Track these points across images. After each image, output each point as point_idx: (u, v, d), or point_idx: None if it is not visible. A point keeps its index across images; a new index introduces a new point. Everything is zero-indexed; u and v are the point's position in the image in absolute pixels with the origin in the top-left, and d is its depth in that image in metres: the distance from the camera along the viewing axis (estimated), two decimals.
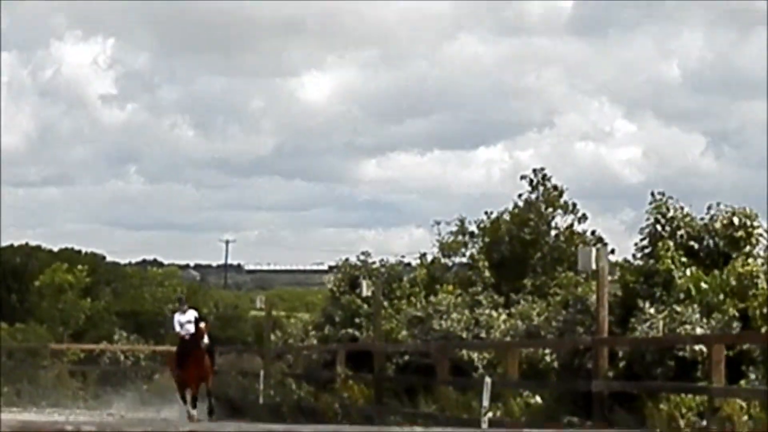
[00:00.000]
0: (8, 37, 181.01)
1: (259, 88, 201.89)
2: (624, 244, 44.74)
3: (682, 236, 29.89)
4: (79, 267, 59.65)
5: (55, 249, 63.23)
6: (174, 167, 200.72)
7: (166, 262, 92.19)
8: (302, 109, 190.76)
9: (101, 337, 52.74)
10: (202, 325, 35.21)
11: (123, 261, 71.96)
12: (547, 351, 27.75)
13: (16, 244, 68.38)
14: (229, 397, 40.73)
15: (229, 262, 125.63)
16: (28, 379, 45.97)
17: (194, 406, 35.95)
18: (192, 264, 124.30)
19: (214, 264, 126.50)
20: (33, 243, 69.06)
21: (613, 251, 31.13)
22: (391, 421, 29.93)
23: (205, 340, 34.85)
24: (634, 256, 30.28)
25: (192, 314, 35.75)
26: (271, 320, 45.57)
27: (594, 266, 25.44)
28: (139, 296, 59.51)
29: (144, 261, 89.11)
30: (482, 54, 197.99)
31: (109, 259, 66.97)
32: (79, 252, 64.16)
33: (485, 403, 25.93)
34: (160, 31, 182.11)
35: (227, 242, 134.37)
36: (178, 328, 35.70)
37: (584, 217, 38.73)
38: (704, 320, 24.82)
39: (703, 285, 26.24)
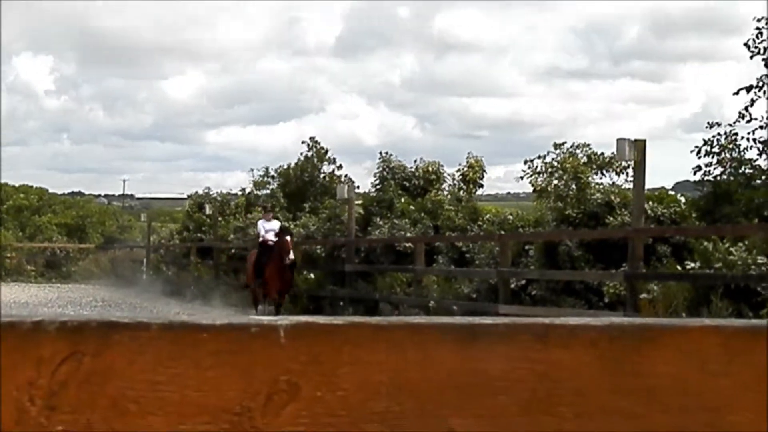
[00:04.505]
0: None
1: (145, 87, 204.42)
2: (365, 182, 45.07)
3: (399, 177, 30.04)
4: (32, 196, 58.53)
5: (17, 185, 61.70)
6: (92, 135, 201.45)
7: (86, 192, 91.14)
8: (172, 100, 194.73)
9: (45, 238, 51.58)
10: (288, 238, 22.22)
11: (60, 191, 70.29)
12: (318, 247, 27.70)
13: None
14: (124, 275, 40.22)
15: (126, 192, 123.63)
16: None
17: (278, 312, 22.39)
18: (103, 194, 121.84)
19: (117, 194, 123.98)
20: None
21: (358, 187, 31.22)
22: (223, 289, 29.84)
23: (291, 256, 21.83)
24: (370, 189, 30.46)
25: (276, 224, 23.74)
26: (150, 228, 44.98)
27: (346, 196, 25.45)
28: (70, 214, 57.99)
29: (72, 192, 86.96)
30: (282, 66, 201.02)
31: (51, 190, 65.21)
32: (32, 186, 62.67)
33: None
34: (84, 52, 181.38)
35: (124, 180, 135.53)
36: (262, 232, 23.48)
37: (341, 166, 38.84)
38: (412, 228, 24.95)
39: (412, 207, 26.39)
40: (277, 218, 25.33)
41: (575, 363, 1.42)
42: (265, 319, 1.35)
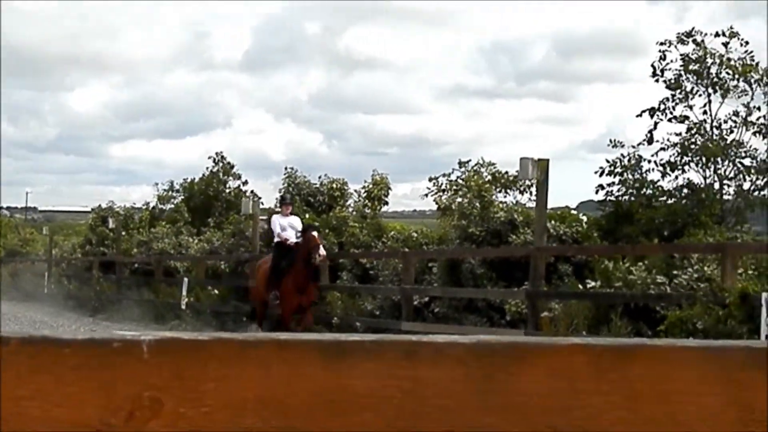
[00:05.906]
0: None
1: (49, 99, 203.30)
2: (270, 198, 45.01)
3: (304, 194, 30.02)
4: None
5: None
6: None
7: None
8: (75, 112, 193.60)
9: None
10: (315, 234, 18.45)
11: None
12: (222, 262, 27.56)
13: None
14: (25, 289, 39.56)
15: (29, 204, 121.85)
16: None
17: None
18: (5, 206, 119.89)
19: (19, 206, 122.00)
20: None
21: (263, 202, 31.10)
22: (126, 304, 29.48)
23: (321, 251, 18.08)
24: (275, 205, 30.42)
25: (297, 220, 19.51)
26: (53, 241, 44.36)
27: (251, 211, 25.39)
28: None
29: None
30: (189, 80, 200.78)
31: None
32: None
33: (184, 293, 25.66)
34: None
35: (27, 193, 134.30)
36: (277, 229, 18.93)
37: (246, 182, 38.78)
38: None
39: (316, 223, 26.32)
40: (297, 214, 20.80)
41: (443, 380, 1.43)
42: (129, 334, 1.34)
